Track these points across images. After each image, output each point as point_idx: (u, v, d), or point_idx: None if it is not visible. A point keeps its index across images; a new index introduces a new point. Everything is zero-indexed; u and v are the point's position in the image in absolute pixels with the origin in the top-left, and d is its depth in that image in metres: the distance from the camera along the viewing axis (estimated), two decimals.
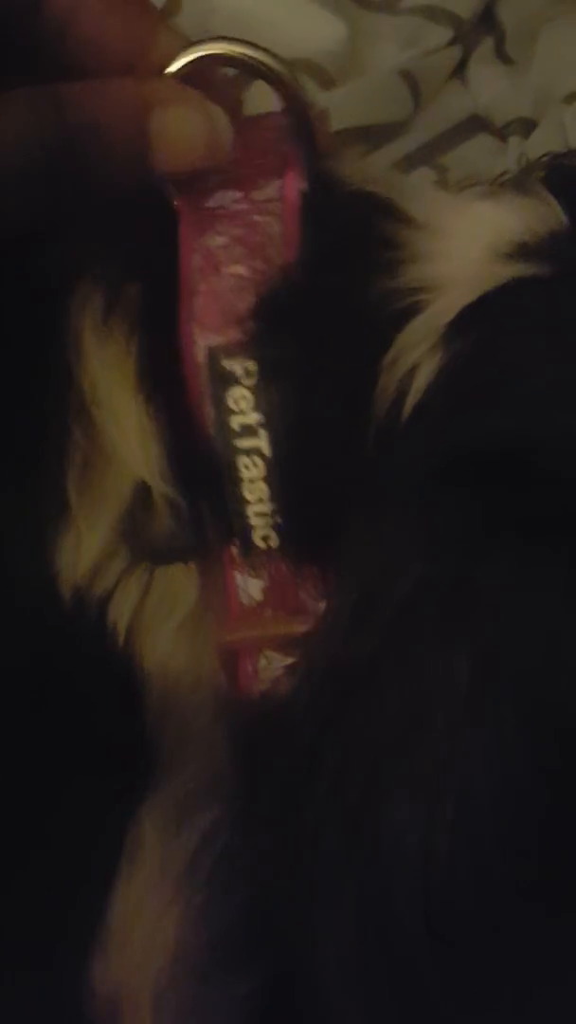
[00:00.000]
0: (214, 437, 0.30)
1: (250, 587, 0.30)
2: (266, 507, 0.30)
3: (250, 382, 0.29)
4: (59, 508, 0.29)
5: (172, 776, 0.27)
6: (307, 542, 0.30)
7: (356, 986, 0.25)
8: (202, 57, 0.31)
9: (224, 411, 0.29)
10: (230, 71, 0.32)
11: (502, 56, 0.56)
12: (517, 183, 0.31)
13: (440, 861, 0.24)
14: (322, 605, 0.29)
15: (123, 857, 0.25)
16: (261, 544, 0.30)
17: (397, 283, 0.29)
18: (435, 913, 0.24)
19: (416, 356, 0.28)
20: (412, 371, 0.28)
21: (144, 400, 0.29)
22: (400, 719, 0.25)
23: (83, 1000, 0.25)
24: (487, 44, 0.56)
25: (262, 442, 0.29)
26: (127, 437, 0.29)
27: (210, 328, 0.30)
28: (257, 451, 0.29)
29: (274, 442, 0.29)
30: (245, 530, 0.30)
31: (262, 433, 0.29)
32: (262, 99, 0.32)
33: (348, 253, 0.30)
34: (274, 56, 0.31)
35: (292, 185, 0.31)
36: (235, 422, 0.30)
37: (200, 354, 0.30)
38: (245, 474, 0.30)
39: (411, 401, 0.28)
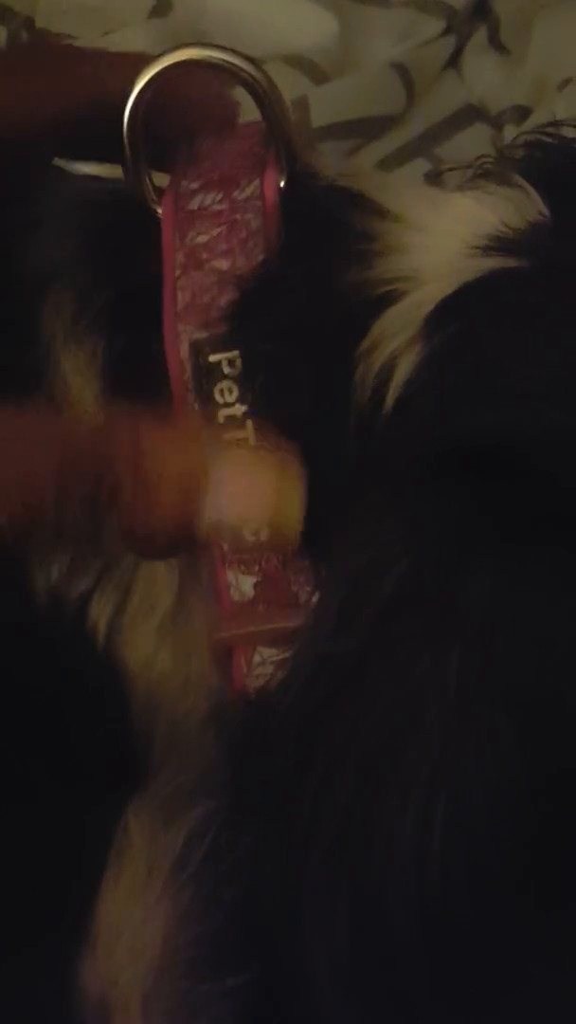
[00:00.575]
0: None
1: (241, 583, 0.30)
2: None
3: (234, 373, 0.29)
4: None
5: (160, 775, 0.27)
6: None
7: (347, 985, 0.25)
8: (180, 63, 0.31)
9: (211, 405, 0.30)
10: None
11: (496, 45, 0.55)
12: (497, 173, 0.31)
13: (432, 860, 0.24)
14: (315, 598, 0.29)
15: (111, 856, 0.25)
16: (250, 539, 0.30)
17: (372, 273, 0.29)
18: (428, 912, 0.24)
19: (395, 346, 0.28)
20: (392, 362, 0.28)
21: (109, 403, 0.29)
22: (389, 717, 0.25)
23: (72, 999, 0.25)
24: (481, 33, 0.56)
25: (248, 433, 0.29)
26: None
27: (194, 323, 0.30)
28: (244, 443, 0.29)
29: (259, 433, 0.29)
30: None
31: (248, 424, 0.29)
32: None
33: (323, 245, 0.30)
34: (250, 60, 0.31)
35: (271, 183, 0.31)
36: (222, 415, 0.30)
37: (184, 349, 0.30)
38: None
39: (392, 394, 0.28)
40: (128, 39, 0.53)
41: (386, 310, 0.28)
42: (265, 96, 0.31)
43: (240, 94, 0.32)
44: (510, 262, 0.28)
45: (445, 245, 0.29)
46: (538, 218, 0.29)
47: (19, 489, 0.22)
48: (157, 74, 0.31)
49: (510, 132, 0.52)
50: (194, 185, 0.31)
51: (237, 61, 0.31)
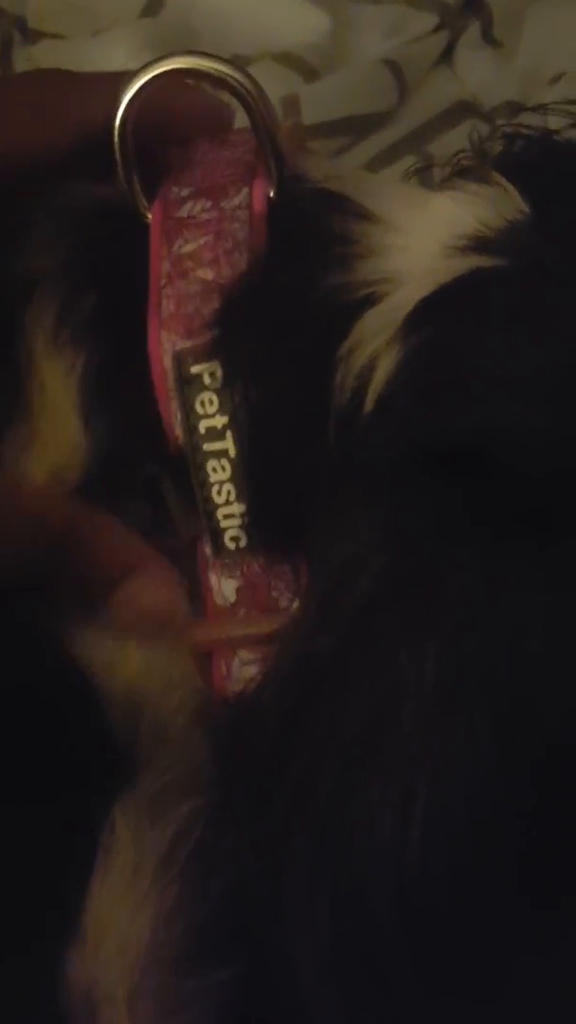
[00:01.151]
0: (183, 441, 0.30)
1: (224, 588, 0.30)
2: (234, 508, 0.30)
3: (215, 385, 0.30)
4: None
5: (147, 773, 0.28)
6: (276, 541, 0.30)
7: (330, 977, 0.25)
8: (168, 71, 0.31)
9: (192, 415, 0.30)
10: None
11: (489, 40, 0.55)
12: (476, 170, 0.31)
13: (412, 853, 0.24)
14: (295, 604, 0.29)
15: (98, 853, 0.26)
16: (231, 545, 0.30)
17: (351, 277, 0.29)
18: (408, 904, 0.24)
19: (374, 347, 0.28)
20: (371, 363, 0.28)
21: (85, 412, 0.30)
22: (368, 712, 0.25)
23: (59, 995, 0.25)
24: (474, 28, 0.55)
25: (228, 444, 0.30)
26: (65, 446, 0.30)
27: (177, 332, 0.30)
28: (224, 453, 0.30)
29: (239, 443, 0.29)
30: (216, 532, 0.30)
31: (228, 435, 0.30)
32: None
33: (306, 251, 0.30)
34: (239, 68, 0.32)
35: (259, 192, 0.31)
36: (202, 426, 0.30)
37: (167, 358, 0.30)
38: (213, 477, 0.30)
39: (372, 395, 0.28)
40: (119, 38, 0.53)
41: (366, 312, 0.29)
42: (253, 103, 0.32)
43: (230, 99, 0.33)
44: (488, 261, 0.28)
45: (424, 246, 0.29)
46: (517, 216, 0.29)
47: None
48: (146, 83, 0.31)
49: None
50: (184, 192, 0.32)
51: (225, 69, 0.32)
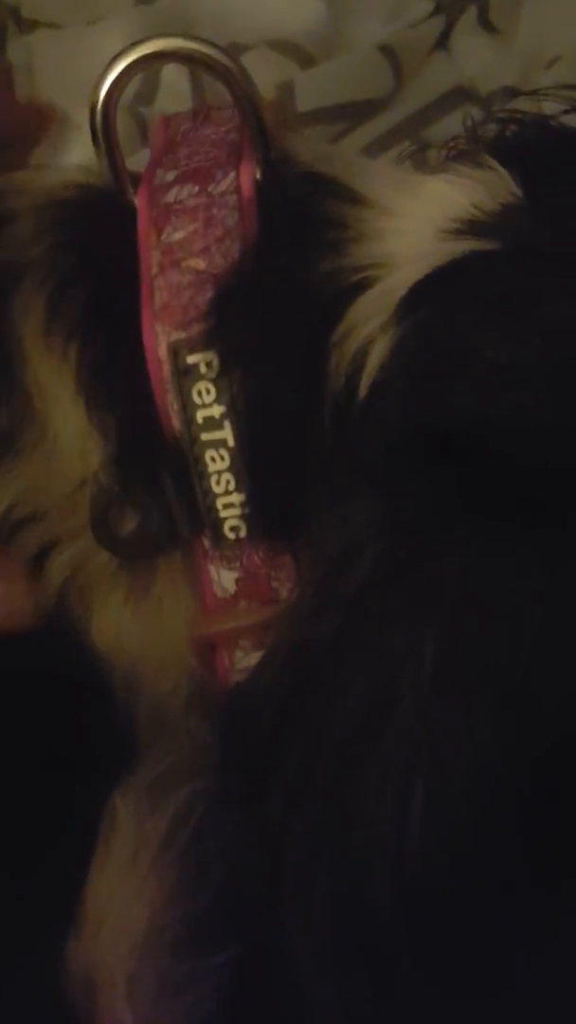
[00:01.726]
0: (180, 431, 0.30)
1: (224, 579, 0.30)
2: (234, 498, 0.30)
3: (212, 375, 0.30)
4: None
5: (146, 757, 0.28)
6: (276, 529, 0.30)
7: (327, 962, 0.25)
8: (150, 54, 0.31)
9: (189, 405, 0.30)
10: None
11: (486, 25, 0.55)
12: (470, 154, 0.31)
13: (411, 839, 0.24)
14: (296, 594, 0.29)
15: (98, 839, 0.26)
16: (230, 536, 0.30)
17: (345, 261, 0.29)
18: (407, 890, 0.25)
19: (368, 332, 0.28)
20: (365, 348, 0.28)
21: (87, 404, 0.30)
22: (366, 699, 0.25)
23: (59, 979, 0.26)
24: (470, 13, 0.55)
25: (227, 433, 0.30)
26: (69, 437, 0.30)
27: (172, 323, 0.30)
28: (223, 443, 0.30)
29: (237, 432, 0.29)
30: (215, 522, 0.30)
31: (226, 424, 0.30)
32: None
33: (298, 236, 0.30)
34: (220, 49, 0.31)
35: (246, 176, 0.31)
36: (200, 415, 0.30)
37: (163, 349, 0.30)
38: (212, 467, 0.30)
39: (366, 379, 0.28)
40: (115, 27, 0.52)
41: (359, 297, 0.29)
42: (238, 85, 0.31)
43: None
44: (481, 244, 0.28)
45: (417, 229, 0.29)
46: (510, 199, 0.29)
47: None
48: (131, 64, 0.31)
49: None
50: (169, 176, 0.31)
51: (208, 51, 0.31)
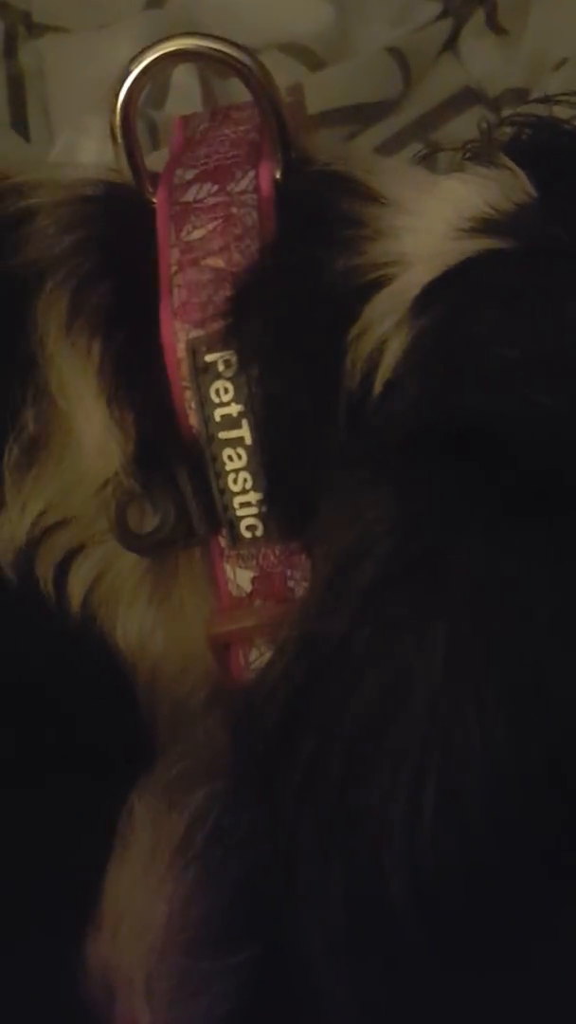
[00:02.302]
0: (198, 430, 0.30)
1: (239, 578, 0.30)
2: (251, 496, 0.30)
3: (230, 373, 0.30)
4: None
5: (164, 757, 0.28)
6: (292, 528, 0.30)
7: (343, 958, 0.25)
8: (170, 53, 0.31)
9: (207, 404, 0.30)
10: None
11: (494, 27, 0.55)
12: (485, 155, 0.31)
13: (425, 832, 0.24)
14: None
15: (116, 839, 0.26)
16: (247, 535, 0.30)
17: (361, 259, 0.29)
18: (422, 883, 0.24)
19: (383, 330, 0.28)
20: (380, 347, 0.28)
21: (109, 402, 0.30)
22: (377, 693, 0.25)
23: (77, 979, 0.25)
24: (478, 16, 0.55)
25: (244, 432, 0.30)
26: (92, 437, 0.30)
27: (191, 321, 0.30)
28: (240, 441, 0.30)
29: (255, 430, 0.29)
30: (232, 521, 0.30)
31: (243, 423, 0.30)
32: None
33: (315, 234, 0.30)
34: (242, 49, 0.31)
35: (266, 175, 0.31)
36: (217, 414, 0.30)
37: (181, 347, 0.30)
38: (229, 465, 0.30)
39: (380, 378, 0.28)
40: (124, 31, 0.53)
41: (375, 295, 0.29)
42: (259, 84, 0.31)
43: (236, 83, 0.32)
44: (495, 243, 0.28)
45: (432, 228, 0.29)
46: (524, 198, 0.29)
47: None
48: (151, 63, 0.31)
49: None
50: (189, 175, 0.32)
51: (229, 50, 0.31)
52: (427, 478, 0.26)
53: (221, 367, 0.30)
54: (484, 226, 0.29)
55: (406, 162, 0.42)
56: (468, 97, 0.54)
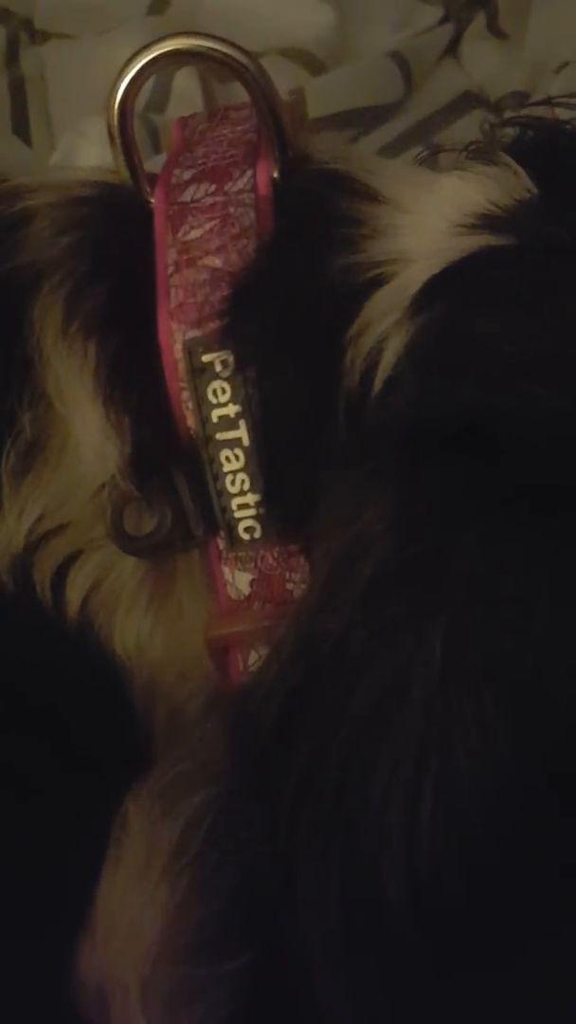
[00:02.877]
0: (195, 431, 0.30)
1: (238, 580, 0.30)
2: (249, 498, 0.30)
3: (227, 373, 0.30)
4: None
5: (159, 763, 0.27)
6: (291, 530, 0.30)
7: (341, 962, 0.25)
8: (167, 53, 0.31)
9: (204, 404, 0.30)
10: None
11: (495, 31, 0.55)
12: (485, 153, 0.31)
13: (423, 835, 0.24)
14: None
15: (110, 844, 0.26)
16: (245, 536, 0.30)
17: (359, 258, 0.29)
18: (420, 885, 0.24)
19: (383, 328, 0.28)
20: (380, 345, 0.28)
21: (105, 404, 0.30)
22: (375, 695, 0.25)
23: (71, 986, 0.25)
24: (479, 20, 0.55)
25: (242, 432, 0.30)
26: (89, 440, 0.30)
27: (187, 322, 0.30)
28: (238, 442, 0.30)
29: (252, 431, 0.29)
30: (230, 523, 0.30)
31: (241, 424, 0.30)
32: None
33: (313, 233, 0.30)
34: (240, 49, 0.31)
35: (263, 175, 0.31)
36: (215, 414, 0.30)
37: (178, 348, 0.30)
38: (227, 466, 0.30)
39: (380, 376, 0.28)
40: (126, 36, 0.53)
41: (374, 293, 0.28)
42: (256, 84, 0.31)
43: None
44: (495, 240, 0.28)
45: (432, 225, 0.29)
46: (525, 195, 0.29)
47: None
48: (147, 63, 0.31)
49: None
50: (186, 175, 0.31)
51: (225, 49, 0.31)
52: (426, 476, 0.26)
53: (218, 367, 0.30)
54: (484, 223, 0.29)
55: (406, 162, 0.42)
56: (469, 101, 0.54)
